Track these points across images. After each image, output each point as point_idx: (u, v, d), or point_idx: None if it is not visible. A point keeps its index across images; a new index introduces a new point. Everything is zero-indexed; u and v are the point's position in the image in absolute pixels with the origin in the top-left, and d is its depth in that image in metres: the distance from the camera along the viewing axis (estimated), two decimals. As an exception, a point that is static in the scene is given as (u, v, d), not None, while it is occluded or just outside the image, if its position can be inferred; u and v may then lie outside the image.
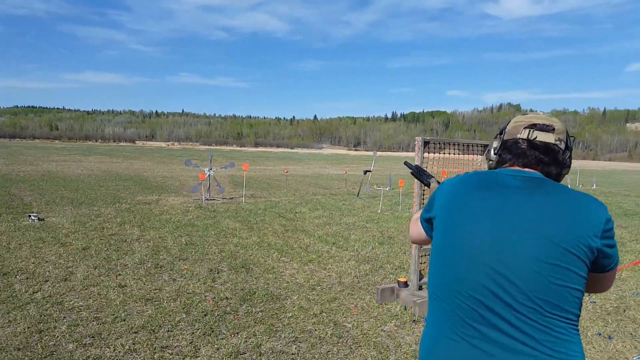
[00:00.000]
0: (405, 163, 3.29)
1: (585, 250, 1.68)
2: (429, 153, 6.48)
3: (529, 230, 1.70)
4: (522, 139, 1.93)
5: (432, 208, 2.03)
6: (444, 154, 6.63)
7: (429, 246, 6.74)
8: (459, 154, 6.74)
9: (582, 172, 44.39)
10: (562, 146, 1.91)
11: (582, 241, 1.68)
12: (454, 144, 6.66)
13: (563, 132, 1.93)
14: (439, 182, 2.78)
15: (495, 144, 2.03)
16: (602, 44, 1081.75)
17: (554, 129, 1.91)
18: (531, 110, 2.11)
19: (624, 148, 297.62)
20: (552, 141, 1.89)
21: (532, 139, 1.90)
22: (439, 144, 6.51)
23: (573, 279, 1.68)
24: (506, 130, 2.00)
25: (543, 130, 1.90)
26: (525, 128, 1.92)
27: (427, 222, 2.10)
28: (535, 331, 1.65)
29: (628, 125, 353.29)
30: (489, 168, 2.08)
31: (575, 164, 61.19)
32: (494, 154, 2.03)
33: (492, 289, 1.70)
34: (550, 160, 1.91)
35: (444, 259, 1.86)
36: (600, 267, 1.79)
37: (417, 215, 2.25)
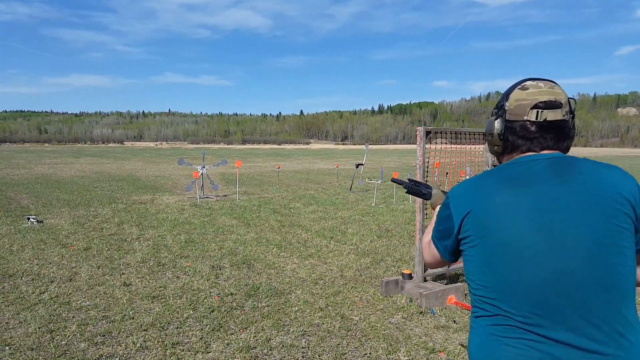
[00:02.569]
0: (393, 180, 2.92)
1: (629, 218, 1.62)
2: (429, 144, 6.48)
3: (581, 218, 1.59)
4: (530, 121, 1.76)
5: (452, 228, 1.79)
6: (443, 144, 6.63)
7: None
8: (463, 144, 6.71)
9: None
10: (569, 117, 1.77)
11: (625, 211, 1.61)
12: (457, 133, 6.59)
13: (567, 102, 1.78)
14: (444, 192, 2.44)
15: (498, 125, 1.84)
16: (590, 29, 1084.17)
17: (561, 104, 1.75)
18: (529, 79, 1.84)
19: (616, 133, 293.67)
20: (561, 117, 1.74)
21: (541, 120, 1.73)
22: (441, 133, 6.49)
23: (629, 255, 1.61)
24: (508, 109, 1.81)
25: (551, 108, 1.73)
26: (531, 109, 1.74)
27: (447, 243, 1.86)
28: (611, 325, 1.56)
29: (619, 110, 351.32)
30: (495, 153, 1.92)
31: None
32: (500, 139, 1.84)
33: (556, 289, 1.56)
34: (564, 136, 1.78)
35: (495, 266, 1.65)
36: None
37: (428, 238, 2.03)
